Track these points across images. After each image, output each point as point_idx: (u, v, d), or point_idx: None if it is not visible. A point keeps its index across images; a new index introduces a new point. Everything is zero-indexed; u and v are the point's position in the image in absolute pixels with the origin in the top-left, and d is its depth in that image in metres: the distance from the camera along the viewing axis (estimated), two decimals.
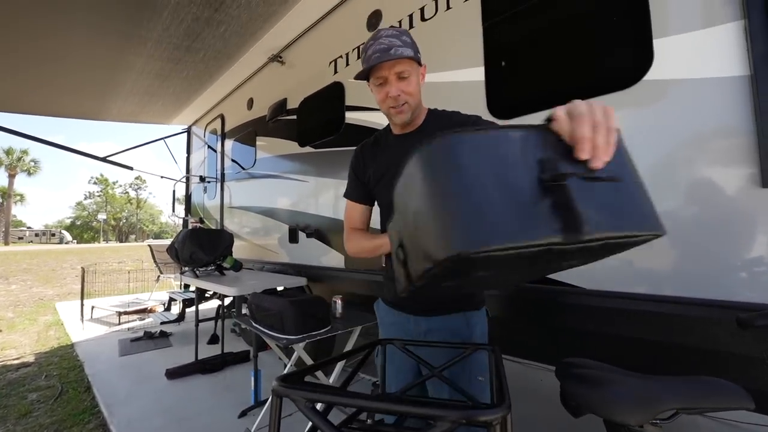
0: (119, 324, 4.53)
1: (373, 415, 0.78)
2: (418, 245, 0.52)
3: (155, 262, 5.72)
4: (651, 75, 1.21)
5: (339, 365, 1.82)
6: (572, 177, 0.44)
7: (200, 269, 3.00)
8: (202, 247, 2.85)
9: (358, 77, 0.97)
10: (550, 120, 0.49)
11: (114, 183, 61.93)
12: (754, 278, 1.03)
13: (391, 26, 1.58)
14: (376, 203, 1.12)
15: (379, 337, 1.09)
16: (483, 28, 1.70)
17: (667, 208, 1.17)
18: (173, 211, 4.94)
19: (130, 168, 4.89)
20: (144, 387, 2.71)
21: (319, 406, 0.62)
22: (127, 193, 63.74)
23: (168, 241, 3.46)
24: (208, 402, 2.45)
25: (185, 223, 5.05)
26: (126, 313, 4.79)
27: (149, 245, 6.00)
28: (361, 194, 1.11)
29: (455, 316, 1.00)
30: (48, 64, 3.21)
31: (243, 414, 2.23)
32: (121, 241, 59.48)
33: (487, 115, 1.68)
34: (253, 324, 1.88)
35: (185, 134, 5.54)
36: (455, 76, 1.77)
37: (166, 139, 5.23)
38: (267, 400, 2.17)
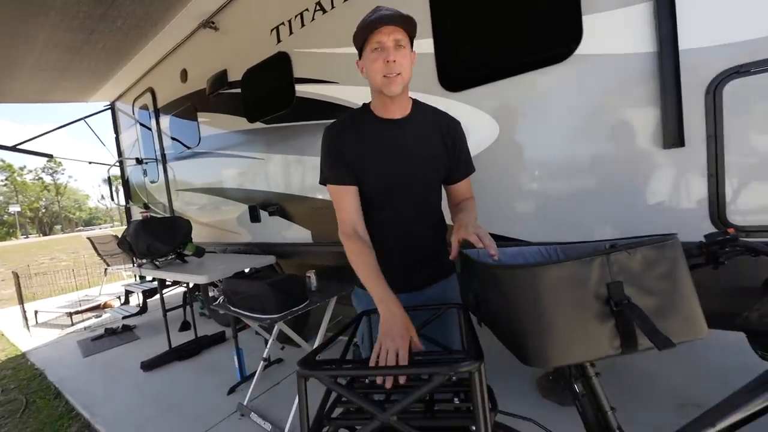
0: (72, 324, 4.27)
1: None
2: (512, 335, 0.68)
3: (99, 255, 5.32)
4: (581, 50, 1.35)
5: (319, 335, 1.98)
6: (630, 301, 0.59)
7: (159, 260, 2.89)
8: (158, 238, 2.73)
9: (356, 43, 0.97)
10: (612, 246, 0.63)
11: (21, 169, 53.63)
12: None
13: None
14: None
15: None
16: None
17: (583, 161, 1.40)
18: (112, 200, 4.53)
19: (50, 156, 4.33)
20: (121, 383, 2.68)
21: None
22: (41, 179, 55.81)
23: (103, 228, 3.21)
24: (193, 386, 2.52)
25: (128, 211, 4.67)
26: (78, 312, 4.51)
27: (89, 238, 5.53)
28: (350, 176, 1.02)
29: (442, 283, 1.16)
30: None
31: (232, 390, 2.34)
32: (44, 234, 52.96)
33: (438, 89, 1.75)
34: (232, 309, 1.93)
35: (109, 112, 4.94)
36: None
37: (86, 119, 4.65)
38: (254, 374, 2.27)
